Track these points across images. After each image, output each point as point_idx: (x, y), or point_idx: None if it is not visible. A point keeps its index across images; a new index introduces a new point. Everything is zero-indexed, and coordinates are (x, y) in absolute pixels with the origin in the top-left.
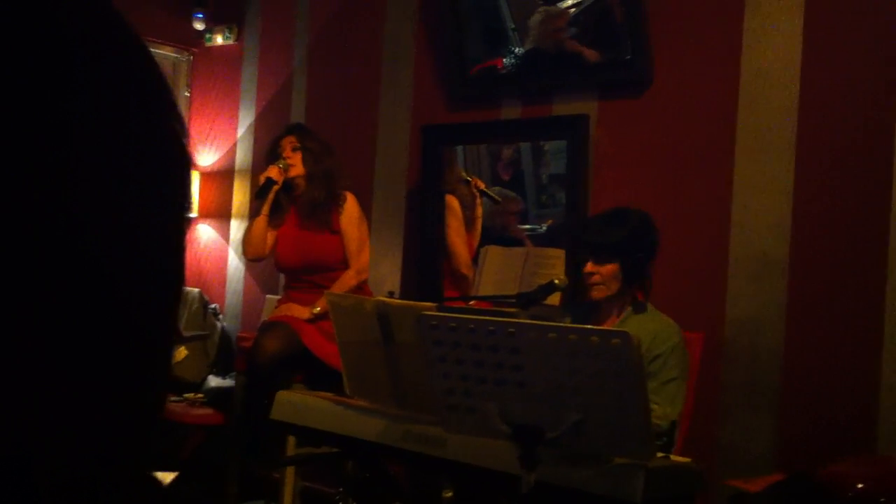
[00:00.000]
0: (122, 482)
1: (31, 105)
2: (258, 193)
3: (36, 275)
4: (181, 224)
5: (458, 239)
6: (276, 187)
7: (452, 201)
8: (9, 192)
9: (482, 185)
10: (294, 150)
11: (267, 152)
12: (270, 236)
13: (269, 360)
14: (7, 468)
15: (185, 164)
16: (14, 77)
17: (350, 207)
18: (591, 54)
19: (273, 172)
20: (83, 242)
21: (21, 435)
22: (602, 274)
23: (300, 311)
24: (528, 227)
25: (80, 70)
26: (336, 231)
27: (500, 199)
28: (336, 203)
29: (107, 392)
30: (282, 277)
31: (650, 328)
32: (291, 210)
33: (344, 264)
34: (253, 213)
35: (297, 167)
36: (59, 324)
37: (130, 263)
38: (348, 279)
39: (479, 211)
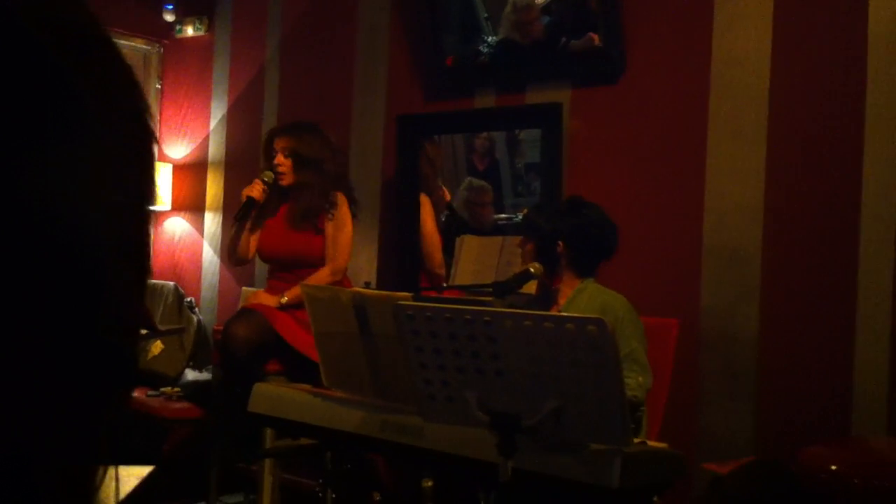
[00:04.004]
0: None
1: None
2: (238, 215)
3: (28, 271)
4: (143, 216)
5: (431, 239)
6: (255, 208)
7: (426, 201)
8: None
9: (448, 198)
10: (286, 155)
11: (262, 146)
12: (254, 240)
13: (241, 347)
14: (7, 468)
15: (149, 152)
16: None
17: (338, 212)
18: (573, 45)
19: (255, 190)
20: (66, 238)
21: (21, 435)
22: (524, 250)
23: (268, 299)
24: (503, 216)
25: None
26: (321, 231)
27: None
28: (326, 208)
29: (108, 391)
30: (257, 270)
31: (597, 302)
32: (282, 207)
33: (325, 261)
34: (236, 230)
35: (288, 176)
36: (58, 322)
37: (110, 253)
38: (323, 276)
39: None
